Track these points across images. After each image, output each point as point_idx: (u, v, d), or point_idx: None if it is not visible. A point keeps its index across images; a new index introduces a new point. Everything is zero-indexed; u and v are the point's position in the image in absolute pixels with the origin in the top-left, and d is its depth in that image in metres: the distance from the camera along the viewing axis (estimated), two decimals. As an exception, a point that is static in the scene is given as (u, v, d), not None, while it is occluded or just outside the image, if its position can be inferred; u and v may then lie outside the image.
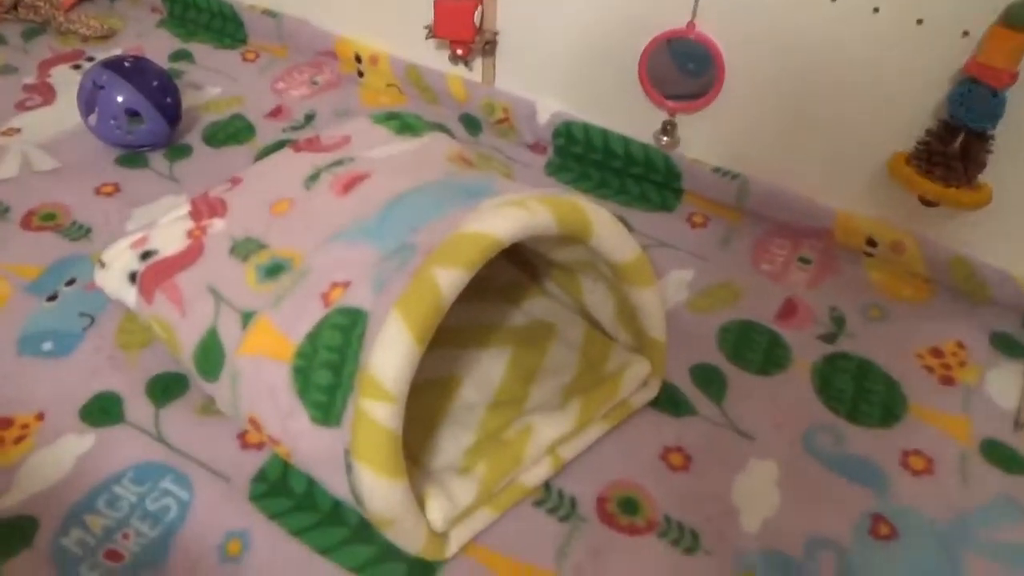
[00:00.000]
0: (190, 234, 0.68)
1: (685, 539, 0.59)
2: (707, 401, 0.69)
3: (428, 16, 0.92)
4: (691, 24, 0.79)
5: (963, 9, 0.67)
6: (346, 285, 0.56)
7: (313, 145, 0.76)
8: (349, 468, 0.51)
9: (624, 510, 0.61)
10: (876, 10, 0.71)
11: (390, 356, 0.48)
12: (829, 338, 0.76)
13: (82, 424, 0.64)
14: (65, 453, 0.62)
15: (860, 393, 0.71)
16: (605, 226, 0.58)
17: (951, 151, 0.70)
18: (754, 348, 0.75)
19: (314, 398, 0.52)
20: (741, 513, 0.61)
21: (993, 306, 0.79)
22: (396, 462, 0.50)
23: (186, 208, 0.71)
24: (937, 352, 0.75)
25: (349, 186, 0.68)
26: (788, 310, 0.79)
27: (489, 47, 0.93)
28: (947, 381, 0.73)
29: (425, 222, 0.58)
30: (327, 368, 0.52)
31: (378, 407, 0.48)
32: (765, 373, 0.72)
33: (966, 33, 0.68)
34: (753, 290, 0.80)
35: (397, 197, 0.64)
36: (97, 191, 0.86)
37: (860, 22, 0.72)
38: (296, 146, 0.77)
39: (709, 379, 0.71)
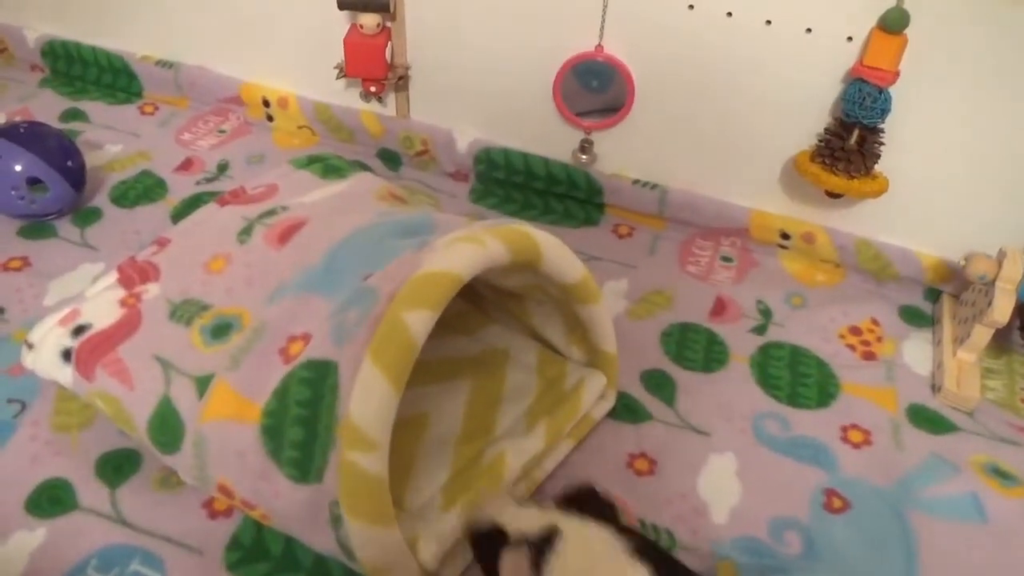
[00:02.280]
0: (123, 303, 0.65)
1: (662, 540, 0.62)
2: (661, 405, 0.72)
3: (336, 56, 0.92)
4: (599, 47, 0.83)
5: (846, 17, 0.74)
6: (305, 338, 0.55)
7: (239, 198, 0.75)
8: (337, 521, 0.50)
9: (601, 521, 0.63)
10: (768, 22, 0.76)
11: (370, 404, 0.48)
12: (760, 330, 0.81)
13: (30, 518, 0.60)
14: (16, 552, 0.58)
15: (796, 378, 0.76)
16: (552, 250, 0.60)
17: (849, 146, 0.76)
18: (694, 348, 0.78)
19: (288, 456, 0.51)
20: (709, 507, 0.64)
21: (898, 282, 0.86)
22: (386, 509, 0.50)
23: (113, 276, 0.68)
24: (856, 330, 0.81)
25: (285, 236, 0.67)
26: (719, 308, 0.83)
27: (402, 82, 0.94)
28: (869, 356, 0.79)
29: (373, 267, 0.58)
30: (299, 424, 0.51)
31: (363, 457, 0.48)
32: (708, 371, 0.76)
33: (850, 38, 0.74)
34: (684, 292, 0.85)
35: (339, 243, 0.63)
36: (3, 267, 0.81)
37: (755, 34, 0.78)
38: (221, 200, 0.75)
39: (659, 383, 0.74)
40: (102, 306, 0.65)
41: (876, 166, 0.78)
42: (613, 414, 0.71)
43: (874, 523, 0.64)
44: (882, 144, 0.77)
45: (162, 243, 0.71)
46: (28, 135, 0.84)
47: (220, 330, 0.60)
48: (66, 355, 0.63)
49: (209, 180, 0.95)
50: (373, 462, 0.49)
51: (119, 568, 0.57)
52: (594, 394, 0.68)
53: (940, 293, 0.85)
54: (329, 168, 0.79)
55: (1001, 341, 0.80)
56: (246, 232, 0.68)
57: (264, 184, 0.77)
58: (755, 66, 0.79)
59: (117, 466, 0.64)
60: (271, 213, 0.70)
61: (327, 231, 0.66)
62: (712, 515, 0.64)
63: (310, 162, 0.80)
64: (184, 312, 0.62)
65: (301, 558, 0.59)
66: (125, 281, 0.67)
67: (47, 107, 1.05)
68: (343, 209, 0.71)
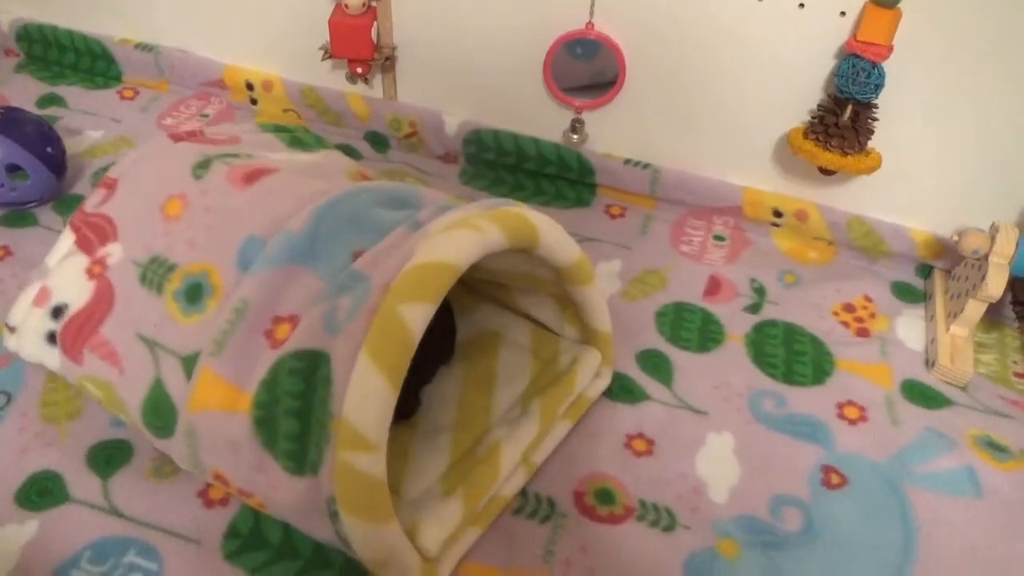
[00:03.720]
0: (90, 273, 0.60)
1: (662, 519, 0.62)
2: (657, 384, 0.72)
3: (321, 37, 0.90)
4: (590, 24, 0.82)
5: (839, -8, 0.73)
6: (292, 320, 0.52)
7: (196, 138, 0.68)
8: (335, 516, 0.49)
9: (601, 501, 0.63)
10: (761, -2, 0.76)
11: (367, 405, 0.47)
12: (754, 308, 0.81)
13: (21, 511, 0.59)
14: (7, 546, 0.57)
15: (791, 356, 0.76)
16: (549, 234, 0.58)
17: (843, 123, 0.75)
18: (689, 328, 0.78)
19: (284, 448, 0.50)
20: (708, 486, 0.64)
21: (890, 258, 0.86)
22: (384, 508, 0.49)
23: (70, 238, 0.63)
24: (849, 307, 0.81)
25: (251, 179, 0.60)
26: (713, 287, 0.83)
27: (389, 63, 0.92)
28: (863, 333, 0.79)
29: (364, 241, 0.55)
30: (292, 416, 0.50)
31: (360, 458, 0.47)
32: (704, 350, 0.76)
33: (843, 13, 0.74)
34: (678, 272, 0.84)
35: (323, 208, 0.57)
36: (-16, 257, 0.80)
37: (748, 10, 0.77)
38: (175, 135, 0.68)
39: (655, 364, 0.74)
40: (70, 279, 0.61)
41: (869, 142, 0.78)
42: (610, 395, 0.70)
43: (872, 498, 0.64)
44: (876, 120, 0.76)
45: (109, 185, 0.64)
46: (6, 121, 0.82)
47: (193, 293, 0.56)
48: (51, 338, 0.61)
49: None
50: (371, 463, 0.47)
51: (114, 560, 0.56)
52: (590, 372, 0.68)
53: (931, 269, 0.85)
54: (295, 140, 0.73)
55: (993, 316, 0.80)
56: (202, 166, 0.61)
57: (226, 134, 0.70)
58: (748, 42, 0.79)
59: (108, 456, 0.63)
60: (233, 155, 0.64)
61: (301, 187, 0.60)
62: (711, 494, 0.64)
63: (277, 129, 0.74)
64: (153, 275, 0.58)
65: (300, 547, 0.58)
66: (83, 244, 0.62)
67: (23, 93, 1.03)
68: (315, 175, 0.65)
